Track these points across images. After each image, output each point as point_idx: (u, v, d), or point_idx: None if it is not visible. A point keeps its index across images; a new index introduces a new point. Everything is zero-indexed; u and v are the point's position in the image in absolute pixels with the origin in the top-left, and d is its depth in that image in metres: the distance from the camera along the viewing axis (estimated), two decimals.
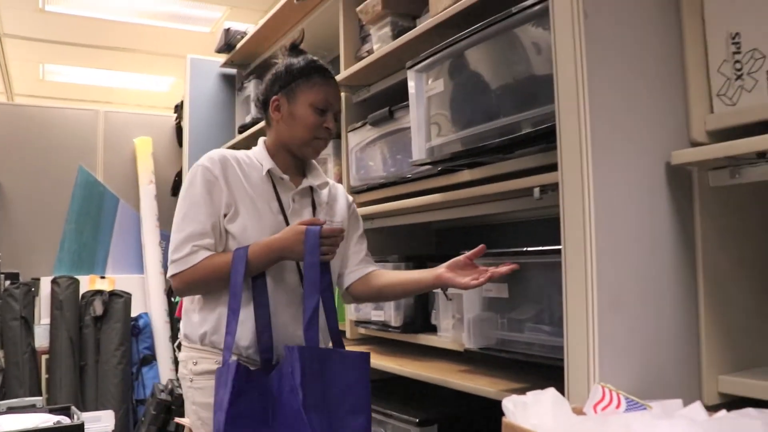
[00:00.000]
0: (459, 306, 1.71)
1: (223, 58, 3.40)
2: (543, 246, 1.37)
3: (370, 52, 2.19)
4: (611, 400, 0.92)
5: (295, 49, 1.65)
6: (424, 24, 1.77)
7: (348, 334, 2.22)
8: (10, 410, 2.39)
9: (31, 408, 2.43)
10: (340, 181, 2.35)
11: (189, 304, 1.55)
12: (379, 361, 1.85)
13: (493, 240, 2.13)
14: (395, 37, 2.03)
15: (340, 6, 2.33)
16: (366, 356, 1.41)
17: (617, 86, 1.07)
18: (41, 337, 3.57)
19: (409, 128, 1.75)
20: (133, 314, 3.78)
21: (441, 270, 1.48)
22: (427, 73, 1.68)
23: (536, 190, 1.33)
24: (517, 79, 1.40)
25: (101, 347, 3.57)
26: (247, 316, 1.45)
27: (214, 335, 1.47)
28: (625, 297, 1.06)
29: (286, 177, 1.56)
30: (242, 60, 3.37)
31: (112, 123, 4.16)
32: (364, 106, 2.27)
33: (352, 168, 2.20)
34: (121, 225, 4.07)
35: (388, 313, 1.98)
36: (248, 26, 3.31)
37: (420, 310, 1.95)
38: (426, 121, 1.68)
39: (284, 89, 1.56)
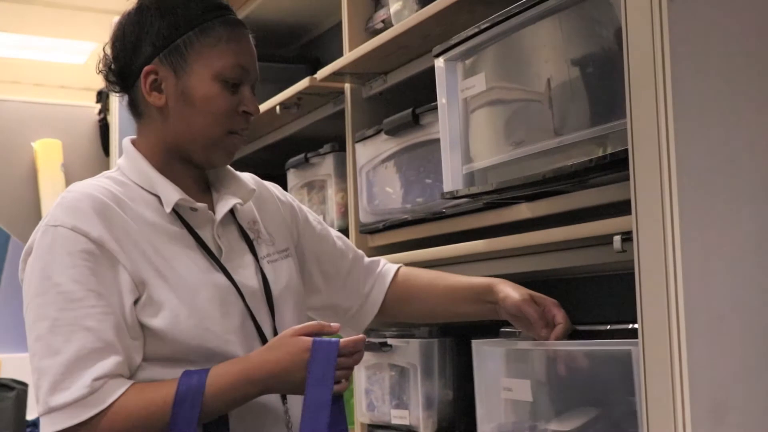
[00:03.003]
0: None
1: None
2: (625, 313, 1.46)
3: (386, 23, 2.32)
4: None
5: None
6: None
7: None
8: None
9: None
10: (345, 215, 2.47)
11: None
12: None
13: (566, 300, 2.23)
14: (423, 2, 2.16)
15: None
16: None
17: (714, 96, 1.17)
18: None
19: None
20: (31, 416, 3.80)
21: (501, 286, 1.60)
22: (463, 63, 1.79)
23: (617, 239, 1.43)
24: (594, 75, 1.50)
25: None
26: None
27: None
28: (735, 400, 1.15)
29: (201, 205, 1.48)
30: None
31: None
32: (378, 104, 2.39)
33: (362, 196, 2.32)
34: (14, 275, 4.14)
35: (415, 414, 2.08)
36: None
37: (461, 408, 2.05)
38: (462, 134, 1.80)
39: (165, 51, 1.45)
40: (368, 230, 2.30)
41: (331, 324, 1.43)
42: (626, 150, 1.24)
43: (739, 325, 1.17)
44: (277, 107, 2.63)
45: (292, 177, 2.78)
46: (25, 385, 3.84)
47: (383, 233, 2.26)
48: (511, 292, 1.58)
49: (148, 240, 1.42)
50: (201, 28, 1.46)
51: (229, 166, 1.60)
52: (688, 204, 1.14)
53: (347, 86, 2.42)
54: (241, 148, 1.56)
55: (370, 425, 2.27)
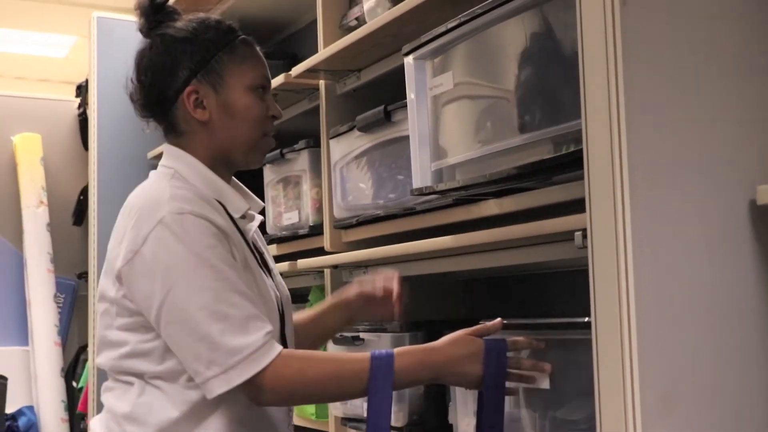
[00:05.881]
0: None
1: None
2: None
3: (360, 20, 2.36)
4: None
5: (161, 8, 1.67)
6: None
7: None
8: None
9: None
10: (320, 210, 2.51)
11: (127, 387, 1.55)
12: None
13: (534, 296, 2.28)
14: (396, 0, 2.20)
15: None
16: None
17: (666, 99, 1.21)
18: None
19: None
20: (11, 408, 3.87)
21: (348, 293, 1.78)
22: (432, 61, 1.84)
23: (578, 235, 1.48)
24: (556, 75, 1.55)
25: None
26: None
27: None
28: (685, 389, 1.20)
29: (252, 212, 1.69)
30: None
31: None
32: (352, 101, 2.44)
33: (336, 192, 2.36)
34: None
35: None
36: None
37: (432, 405, 2.09)
38: (432, 131, 1.84)
39: (202, 72, 1.61)
40: (342, 225, 2.35)
41: (494, 322, 1.58)
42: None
43: (688, 319, 1.21)
44: None
45: (268, 172, 2.81)
46: (4, 378, 3.88)
47: (357, 228, 2.30)
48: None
49: (231, 238, 1.55)
50: (228, 48, 1.63)
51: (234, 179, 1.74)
52: (640, 202, 1.18)
53: (322, 83, 2.46)
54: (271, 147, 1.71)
55: (343, 418, 2.31)
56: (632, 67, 1.19)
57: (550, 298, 2.23)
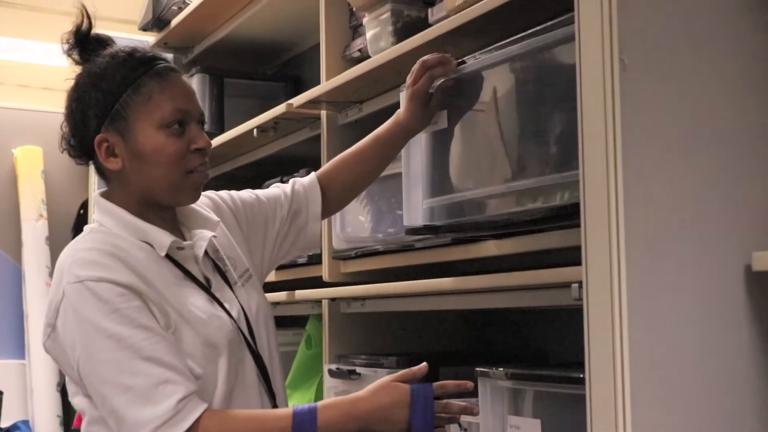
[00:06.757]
0: None
1: (152, 37, 3.59)
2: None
3: (363, 51, 2.37)
4: None
5: (84, 40, 1.62)
6: (436, 27, 1.93)
7: None
8: None
9: None
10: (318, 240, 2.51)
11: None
12: None
13: (532, 329, 2.29)
14: (399, 32, 2.20)
15: None
16: None
17: (663, 162, 1.22)
18: None
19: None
20: (6, 422, 3.86)
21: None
22: None
23: (575, 287, 1.49)
24: (550, 123, 1.55)
25: None
26: None
27: None
28: None
29: (188, 243, 1.59)
30: (181, 42, 3.52)
31: None
32: (354, 131, 2.42)
33: (336, 223, 2.37)
34: None
35: None
36: None
37: None
38: (426, 168, 1.85)
39: (108, 119, 1.53)
40: (341, 257, 2.35)
41: (420, 367, 1.54)
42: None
43: (682, 384, 1.22)
44: (255, 130, 2.67)
45: None
46: (0, 393, 3.88)
47: (355, 260, 2.31)
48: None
49: (157, 282, 1.50)
50: (133, 87, 1.53)
51: None
52: (635, 266, 1.19)
53: (323, 113, 2.47)
54: (205, 181, 1.62)
55: None
56: (630, 131, 1.20)
57: (549, 331, 2.24)
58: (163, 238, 1.55)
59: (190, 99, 1.58)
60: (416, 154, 1.87)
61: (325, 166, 1.96)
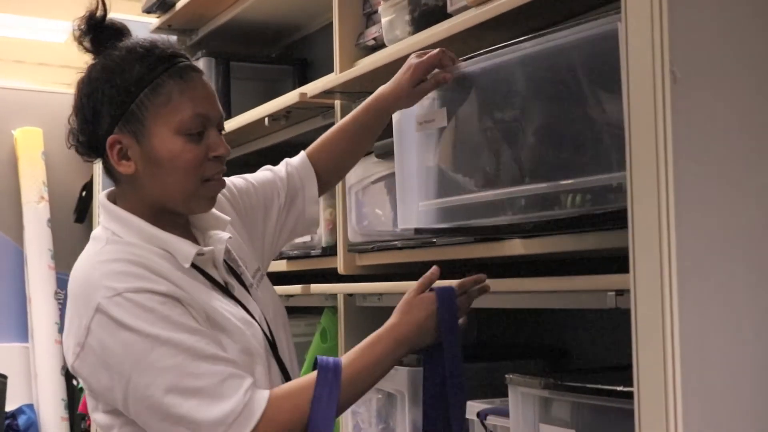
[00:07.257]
0: None
1: (154, 19, 3.52)
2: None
3: (378, 40, 2.32)
4: None
5: (98, 27, 1.51)
6: (462, 21, 1.89)
7: None
8: None
9: None
10: (333, 231, 2.48)
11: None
12: None
13: (546, 326, 2.26)
14: (416, 21, 2.16)
15: None
16: None
17: (716, 179, 1.20)
18: None
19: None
20: (11, 406, 3.88)
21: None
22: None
23: (611, 296, 1.46)
24: (557, 123, 1.54)
25: None
26: None
27: None
28: None
29: (209, 249, 1.53)
30: (186, 24, 3.46)
31: None
32: None
33: (351, 216, 2.33)
34: None
35: None
36: None
37: None
38: (421, 168, 1.83)
39: (122, 119, 1.45)
40: (357, 250, 2.32)
41: (431, 271, 1.62)
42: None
43: (734, 400, 1.20)
44: (266, 119, 2.63)
45: None
46: (4, 377, 3.87)
47: (372, 254, 2.28)
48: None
49: (189, 290, 1.44)
50: (151, 87, 1.44)
51: None
52: (687, 284, 1.17)
53: (337, 103, 2.43)
54: (222, 189, 1.56)
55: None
56: (681, 146, 1.18)
57: (568, 329, 2.22)
58: (186, 249, 1.48)
59: (212, 103, 1.49)
60: (411, 148, 1.84)
61: (314, 144, 1.93)
